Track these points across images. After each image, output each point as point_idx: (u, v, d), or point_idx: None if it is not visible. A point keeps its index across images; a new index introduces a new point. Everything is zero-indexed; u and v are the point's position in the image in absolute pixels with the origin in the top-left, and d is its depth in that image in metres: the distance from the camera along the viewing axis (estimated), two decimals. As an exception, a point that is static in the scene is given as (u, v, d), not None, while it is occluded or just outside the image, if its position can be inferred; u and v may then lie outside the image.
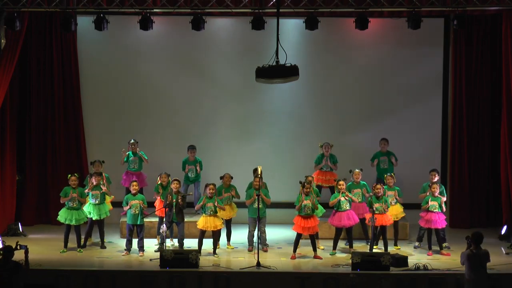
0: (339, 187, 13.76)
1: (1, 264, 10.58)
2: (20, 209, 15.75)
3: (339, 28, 15.95)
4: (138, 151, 15.16)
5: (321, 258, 13.41)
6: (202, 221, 13.65)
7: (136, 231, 13.71)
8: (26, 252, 11.64)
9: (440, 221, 13.72)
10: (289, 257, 13.49)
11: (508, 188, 15.01)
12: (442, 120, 16.36)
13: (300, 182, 13.61)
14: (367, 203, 13.76)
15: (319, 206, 14.05)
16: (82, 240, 14.03)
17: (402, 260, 12.80)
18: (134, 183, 13.83)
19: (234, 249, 14.09)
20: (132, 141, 15.21)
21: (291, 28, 15.84)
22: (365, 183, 14.37)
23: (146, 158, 15.18)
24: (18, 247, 11.17)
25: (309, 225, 13.43)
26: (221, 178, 14.30)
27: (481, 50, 15.99)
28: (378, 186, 13.74)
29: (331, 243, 13.98)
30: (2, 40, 14.49)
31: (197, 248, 13.44)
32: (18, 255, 10.88)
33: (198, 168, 15.27)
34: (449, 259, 13.37)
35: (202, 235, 13.68)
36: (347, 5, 14.50)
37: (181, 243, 13.74)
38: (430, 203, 13.67)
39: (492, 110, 16.07)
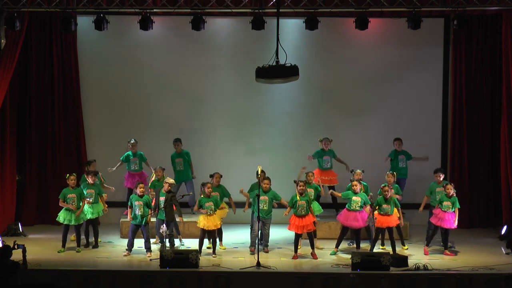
0: (353, 187, 13.72)
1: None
2: (20, 209, 15.75)
3: (339, 28, 15.95)
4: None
5: (316, 258, 13.37)
6: (203, 220, 13.56)
7: (142, 232, 13.62)
8: (24, 252, 11.65)
9: (451, 221, 13.60)
10: (290, 257, 13.45)
11: (508, 188, 15.00)
12: (442, 120, 16.35)
13: (295, 181, 13.59)
14: (374, 204, 13.59)
15: (317, 205, 14.02)
16: (84, 240, 14.00)
17: (402, 260, 12.79)
18: (141, 185, 13.66)
19: (226, 249, 14.03)
20: (133, 141, 15.20)
21: (291, 28, 15.84)
22: (365, 183, 14.33)
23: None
24: (16, 246, 11.16)
25: (304, 224, 13.33)
26: (211, 176, 14.20)
27: (481, 50, 15.99)
28: (386, 188, 13.56)
29: (331, 243, 13.98)
30: (2, 40, 14.49)
31: (197, 247, 13.39)
32: (17, 255, 10.88)
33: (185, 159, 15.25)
34: (450, 259, 13.37)
35: (203, 234, 13.61)
36: (347, 5, 14.50)
37: (172, 242, 13.61)
38: (444, 203, 13.52)
39: (492, 110, 16.06)
